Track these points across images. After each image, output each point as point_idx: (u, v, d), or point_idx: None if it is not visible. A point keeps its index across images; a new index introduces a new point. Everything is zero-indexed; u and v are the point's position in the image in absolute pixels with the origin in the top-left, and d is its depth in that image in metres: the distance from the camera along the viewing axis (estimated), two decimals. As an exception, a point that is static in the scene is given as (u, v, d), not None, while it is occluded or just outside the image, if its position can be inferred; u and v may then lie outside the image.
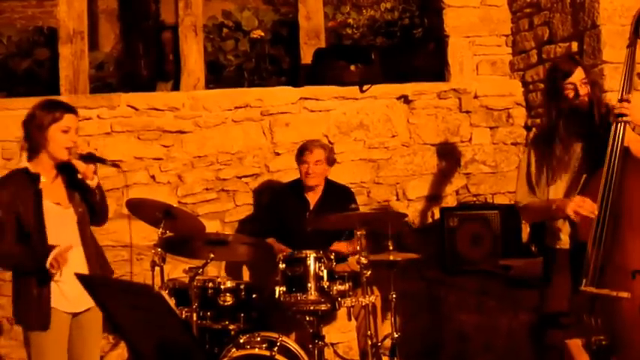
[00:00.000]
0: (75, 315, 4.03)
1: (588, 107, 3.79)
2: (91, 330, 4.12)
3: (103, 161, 4.25)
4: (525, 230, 5.78)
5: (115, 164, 4.50)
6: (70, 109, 4.08)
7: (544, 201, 3.86)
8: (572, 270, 3.69)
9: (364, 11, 7.30)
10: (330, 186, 5.47)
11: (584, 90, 3.79)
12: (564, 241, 3.85)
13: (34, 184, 3.97)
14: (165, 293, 3.19)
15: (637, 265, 3.44)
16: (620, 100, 3.57)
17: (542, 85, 5.84)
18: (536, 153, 3.95)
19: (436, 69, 6.35)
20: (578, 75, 3.81)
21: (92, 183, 4.09)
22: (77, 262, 3.99)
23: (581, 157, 3.82)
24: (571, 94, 3.79)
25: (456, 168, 6.18)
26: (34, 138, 3.99)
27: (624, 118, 3.52)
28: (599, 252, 3.50)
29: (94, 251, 4.16)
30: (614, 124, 3.55)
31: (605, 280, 3.49)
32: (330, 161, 5.43)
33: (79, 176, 4.08)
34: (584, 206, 3.54)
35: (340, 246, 5.10)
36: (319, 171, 5.35)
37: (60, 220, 4.02)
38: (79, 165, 4.05)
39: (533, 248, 5.35)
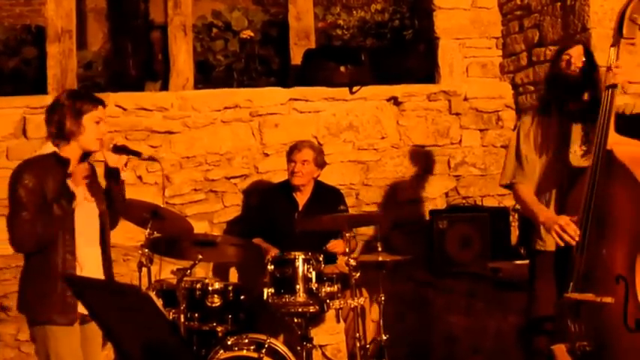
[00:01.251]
0: (83, 319, 3.88)
1: (578, 79, 3.84)
2: (95, 340, 4.02)
3: (137, 154, 4.18)
4: (514, 233, 5.79)
5: (151, 158, 4.47)
6: (102, 101, 4.02)
7: (534, 204, 3.86)
8: (557, 274, 3.68)
9: (354, 12, 7.29)
10: (320, 187, 5.45)
11: (578, 62, 3.86)
12: (549, 243, 3.84)
13: (63, 168, 3.85)
14: (152, 294, 3.15)
15: (620, 270, 3.41)
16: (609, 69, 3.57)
17: (532, 88, 5.86)
18: (523, 127, 3.99)
19: (426, 71, 6.35)
20: (576, 50, 3.90)
21: (123, 174, 4.04)
22: (94, 262, 3.94)
23: (562, 134, 3.86)
24: (564, 63, 3.87)
25: (445, 170, 6.17)
26: (66, 126, 3.86)
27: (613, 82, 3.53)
28: (583, 257, 3.49)
29: (109, 256, 4.09)
30: (605, 91, 3.56)
31: (590, 285, 3.47)
32: (319, 163, 5.40)
33: (111, 165, 4.02)
34: (568, 231, 3.54)
35: (337, 244, 5.07)
36: (305, 171, 5.32)
37: (83, 212, 3.92)
38: (111, 157, 4.01)
39: (522, 251, 5.35)
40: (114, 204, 4.11)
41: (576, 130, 3.87)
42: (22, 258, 3.93)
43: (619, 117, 3.76)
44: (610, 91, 3.53)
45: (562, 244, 3.56)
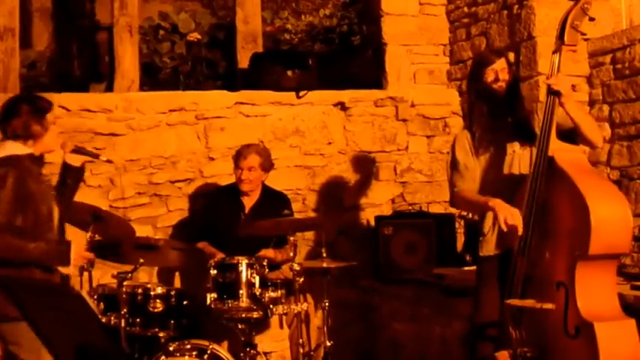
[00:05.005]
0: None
1: (505, 93, 3.85)
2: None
3: (95, 156, 4.26)
4: (460, 239, 5.80)
5: (108, 160, 4.46)
6: (52, 102, 4.10)
7: (479, 196, 3.85)
8: (501, 280, 3.69)
9: (303, 17, 7.29)
10: (267, 192, 5.41)
11: (504, 75, 3.86)
12: (490, 248, 3.86)
13: (40, 167, 3.96)
14: (85, 294, 3.10)
15: (561, 277, 3.44)
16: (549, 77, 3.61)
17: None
18: (459, 140, 3.99)
19: (374, 76, 6.35)
20: (501, 63, 3.89)
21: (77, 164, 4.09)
22: None
23: (497, 137, 3.88)
24: (490, 77, 3.85)
25: (392, 176, 6.17)
26: (32, 126, 3.90)
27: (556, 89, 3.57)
28: (524, 260, 3.52)
29: None
30: (547, 97, 3.59)
31: (531, 291, 3.51)
32: (266, 167, 5.35)
33: (74, 165, 4.09)
34: (515, 220, 3.54)
35: (268, 252, 5.03)
36: (253, 177, 5.28)
37: None
38: (73, 157, 4.08)
39: (467, 257, 5.37)
40: (66, 203, 4.13)
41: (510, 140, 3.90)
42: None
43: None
44: (552, 97, 3.57)
45: (505, 229, 3.55)
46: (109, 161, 4.46)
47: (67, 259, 3.76)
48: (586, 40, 5.14)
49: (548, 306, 3.41)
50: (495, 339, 3.70)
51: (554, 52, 3.62)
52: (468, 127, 4.00)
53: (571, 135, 3.70)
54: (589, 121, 3.81)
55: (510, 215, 3.54)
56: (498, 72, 3.86)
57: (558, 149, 3.56)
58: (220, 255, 4.90)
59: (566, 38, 3.57)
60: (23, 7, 6.27)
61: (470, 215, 5.41)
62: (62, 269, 3.96)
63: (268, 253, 5.01)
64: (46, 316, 2.40)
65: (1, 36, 5.89)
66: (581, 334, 3.34)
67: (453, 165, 3.99)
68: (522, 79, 5.17)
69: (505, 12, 5.59)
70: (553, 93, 3.56)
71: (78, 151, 4.14)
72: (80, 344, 2.28)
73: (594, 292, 3.40)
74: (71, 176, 4.14)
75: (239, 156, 5.31)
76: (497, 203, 3.65)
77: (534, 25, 5.26)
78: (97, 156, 4.26)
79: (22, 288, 2.53)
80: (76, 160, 4.11)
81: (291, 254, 4.55)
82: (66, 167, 4.14)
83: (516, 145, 3.85)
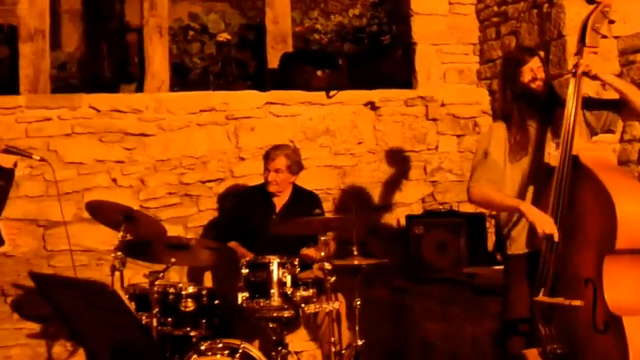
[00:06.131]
0: None
1: (543, 91, 3.86)
2: None
3: (28, 155, 4.24)
4: (491, 239, 5.77)
5: (42, 159, 4.45)
6: None
7: (508, 197, 3.83)
8: (530, 277, 3.69)
9: (332, 17, 7.29)
10: (298, 191, 5.41)
11: (540, 74, 3.86)
12: (519, 246, 3.86)
13: None
14: (121, 291, 3.11)
15: (589, 273, 3.45)
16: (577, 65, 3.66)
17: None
18: (495, 134, 3.96)
19: (403, 76, 6.34)
20: (535, 62, 3.89)
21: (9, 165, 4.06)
22: None
23: (536, 140, 3.86)
24: (528, 77, 3.85)
25: (422, 176, 6.15)
26: None
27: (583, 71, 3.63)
28: (553, 260, 3.53)
29: None
30: (572, 80, 3.64)
31: (559, 288, 3.52)
32: (293, 171, 5.34)
33: (4, 166, 4.04)
34: (551, 229, 3.54)
35: (309, 252, 5.03)
36: (279, 179, 5.28)
37: None
38: (2, 158, 4.04)
39: (498, 257, 5.35)
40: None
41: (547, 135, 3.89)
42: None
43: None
44: (575, 80, 3.62)
45: (547, 232, 3.55)
46: (42, 160, 4.44)
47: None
48: (616, 37, 5.12)
49: (577, 302, 3.43)
50: (527, 334, 3.71)
51: (575, 54, 3.72)
52: (507, 128, 3.94)
53: (616, 106, 3.77)
54: (632, 88, 3.80)
55: (546, 225, 3.55)
56: (535, 70, 3.86)
57: (583, 148, 3.62)
58: (251, 255, 4.90)
59: (587, 40, 3.66)
60: (53, 8, 6.32)
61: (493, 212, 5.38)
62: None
63: (309, 252, 5.01)
64: (81, 313, 2.41)
65: (32, 37, 5.94)
66: (610, 329, 3.36)
67: (483, 156, 3.94)
68: (552, 78, 5.14)
69: (535, 11, 5.56)
70: (576, 77, 3.61)
71: (8, 151, 4.09)
72: (115, 341, 2.29)
73: (622, 286, 3.42)
74: (3, 177, 4.09)
75: (267, 158, 5.32)
76: (529, 209, 3.67)
77: (564, 24, 5.23)
78: (30, 155, 4.22)
79: (56, 286, 2.54)
80: (7, 161, 4.05)
81: (331, 251, 4.54)
82: None
83: (552, 147, 3.82)
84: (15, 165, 4.11)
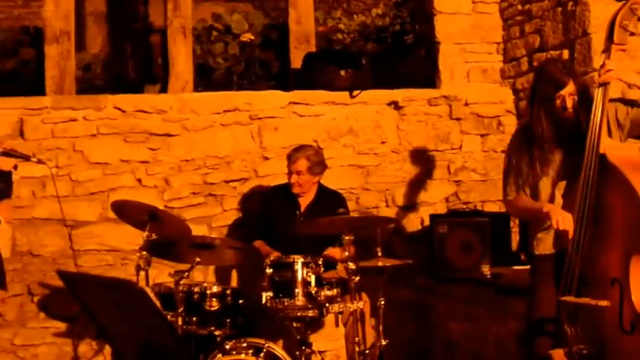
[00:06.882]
0: None
1: (574, 119, 3.80)
2: None
3: (26, 157, 4.23)
4: (515, 239, 5.75)
5: (40, 161, 4.45)
6: None
7: (533, 202, 3.87)
8: (557, 277, 3.67)
9: (355, 17, 7.29)
10: (322, 191, 5.41)
11: (570, 103, 3.79)
12: (546, 247, 3.86)
13: None
14: (148, 289, 3.11)
15: (615, 273, 3.43)
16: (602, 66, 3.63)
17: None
18: (517, 151, 3.96)
19: (427, 75, 6.32)
20: (569, 88, 3.81)
21: (14, 177, 4.10)
22: None
23: (562, 162, 3.84)
24: (559, 104, 3.79)
25: (445, 175, 6.14)
26: None
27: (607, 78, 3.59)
28: (579, 260, 3.51)
29: None
30: (595, 94, 3.61)
31: (585, 288, 3.50)
32: (316, 170, 5.33)
33: (2, 168, 4.05)
34: (566, 225, 3.56)
35: (334, 252, 5.03)
36: (302, 181, 5.28)
37: None
38: (1, 161, 4.05)
39: (522, 257, 5.33)
40: None
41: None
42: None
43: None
44: (602, 89, 3.58)
45: (559, 231, 3.58)
46: (40, 162, 4.44)
47: None
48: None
49: (604, 303, 3.41)
50: (553, 334, 3.70)
51: (603, 52, 3.69)
52: (529, 142, 3.91)
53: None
54: None
55: (562, 220, 3.56)
56: (566, 98, 3.77)
57: (610, 147, 3.57)
58: (276, 254, 4.90)
59: (615, 38, 3.63)
60: (78, 10, 6.36)
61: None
62: None
63: (334, 252, 5.01)
64: (109, 312, 2.42)
65: (57, 39, 5.99)
66: (637, 329, 3.34)
67: (509, 169, 3.98)
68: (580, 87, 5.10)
69: (559, 9, 5.53)
70: (602, 85, 3.58)
71: (7, 153, 4.09)
72: (143, 340, 2.30)
73: (649, 286, 3.39)
74: (2, 180, 4.11)
75: (289, 159, 5.32)
76: (551, 208, 3.67)
77: (589, 22, 5.20)
78: (28, 157, 4.21)
79: (85, 284, 2.56)
80: (6, 164, 4.06)
81: (346, 253, 4.54)
82: None
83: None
84: (15, 167, 4.12)
